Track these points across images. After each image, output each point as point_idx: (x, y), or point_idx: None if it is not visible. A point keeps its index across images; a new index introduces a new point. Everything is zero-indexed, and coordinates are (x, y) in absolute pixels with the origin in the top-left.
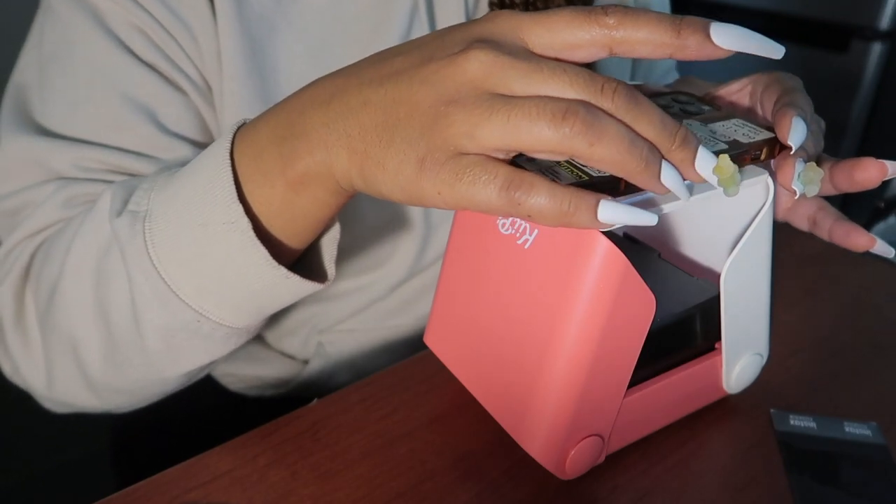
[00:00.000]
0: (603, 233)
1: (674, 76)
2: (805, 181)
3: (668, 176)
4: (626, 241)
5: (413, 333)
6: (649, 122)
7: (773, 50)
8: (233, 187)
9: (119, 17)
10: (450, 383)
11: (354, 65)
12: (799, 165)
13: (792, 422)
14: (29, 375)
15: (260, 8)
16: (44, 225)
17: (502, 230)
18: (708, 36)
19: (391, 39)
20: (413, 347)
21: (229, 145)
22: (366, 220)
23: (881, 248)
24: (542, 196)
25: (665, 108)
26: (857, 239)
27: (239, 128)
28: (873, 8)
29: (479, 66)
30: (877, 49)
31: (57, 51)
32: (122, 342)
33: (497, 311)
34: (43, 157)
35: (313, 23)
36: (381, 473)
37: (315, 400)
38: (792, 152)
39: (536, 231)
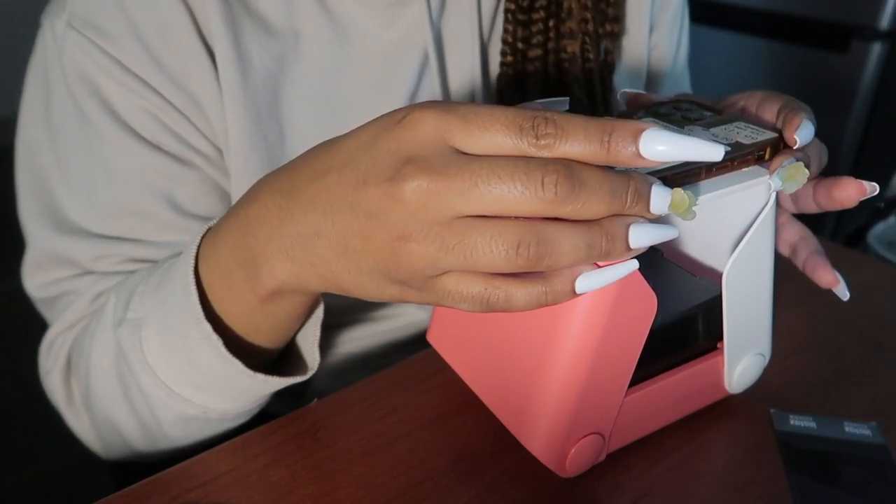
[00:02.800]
0: None
1: (685, 83)
2: (785, 177)
3: (640, 239)
4: None
5: (412, 333)
6: (599, 200)
7: (711, 153)
8: (198, 308)
9: (128, 102)
10: (450, 383)
11: (288, 171)
12: (786, 161)
13: (792, 422)
14: (87, 443)
15: (264, 73)
16: (78, 318)
17: None
18: (637, 152)
19: (400, 95)
20: (413, 347)
21: (193, 263)
22: None
23: (841, 290)
24: (519, 303)
25: (666, 115)
26: (822, 276)
27: (203, 237)
28: (873, 8)
29: (416, 198)
30: (877, 49)
31: (69, 134)
32: (151, 428)
33: None
34: (68, 254)
35: (318, 80)
36: (381, 473)
37: (315, 400)
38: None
39: None
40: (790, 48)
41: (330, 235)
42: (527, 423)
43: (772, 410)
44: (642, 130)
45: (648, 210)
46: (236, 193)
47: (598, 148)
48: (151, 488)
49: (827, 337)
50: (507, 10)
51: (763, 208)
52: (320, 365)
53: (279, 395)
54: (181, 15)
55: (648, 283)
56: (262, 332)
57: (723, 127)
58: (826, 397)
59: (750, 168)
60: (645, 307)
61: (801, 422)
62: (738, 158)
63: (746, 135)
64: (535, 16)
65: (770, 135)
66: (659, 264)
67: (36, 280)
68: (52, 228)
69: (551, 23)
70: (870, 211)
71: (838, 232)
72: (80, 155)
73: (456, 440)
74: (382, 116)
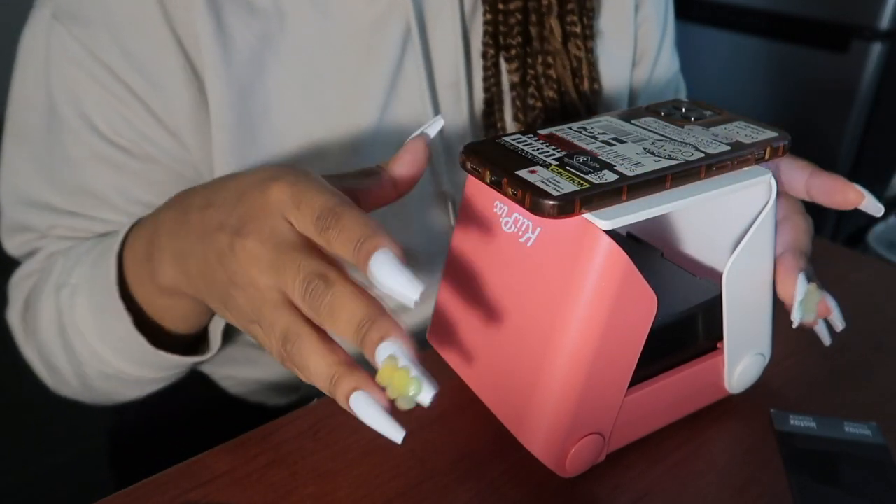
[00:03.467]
0: (606, 232)
1: (675, 87)
2: (806, 309)
3: (357, 403)
4: (629, 239)
5: (416, 331)
6: (336, 323)
7: (409, 293)
8: (115, 287)
9: (94, 93)
10: (450, 383)
11: (195, 193)
12: (800, 290)
13: (792, 422)
14: (41, 376)
15: (247, 50)
16: (33, 270)
17: (505, 228)
18: (368, 265)
19: (384, 70)
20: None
21: (118, 249)
22: None
23: (820, 329)
24: (311, 359)
25: (667, 115)
26: (847, 194)
27: (133, 225)
28: (873, 8)
29: (244, 262)
30: (877, 49)
31: (37, 119)
32: (82, 378)
33: (499, 309)
34: (28, 222)
35: (303, 55)
36: (381, 473)
37: (315, 400)
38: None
39: (539, 229)
40: (790, 48)
41: (196, 259)
42: (527, 423)
43: (772, 410)
44: (375, 249)
45: (373, 357)
46: (220, 168)
47: (351, 250)
48: (151, 488)
49: (832, 338)
50: None
51: (763, 208)
52: None
53: (274, 389)
54: (152, 4)
55: (648, 282)
56: (167, 318)
57: (723, 126)
58: (826, 397)
59: (750, 168)
60: (645, 306)
61: (801, 422)
62: (738, 158)
63: (746, 134)
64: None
65: (770, 134)
66: (659, 264)
67: (10, 242)
68: (18, 201)
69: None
70: None
71: (838, 232)
72: (44, 139)
73: (456, 440)
74: (259, 171)
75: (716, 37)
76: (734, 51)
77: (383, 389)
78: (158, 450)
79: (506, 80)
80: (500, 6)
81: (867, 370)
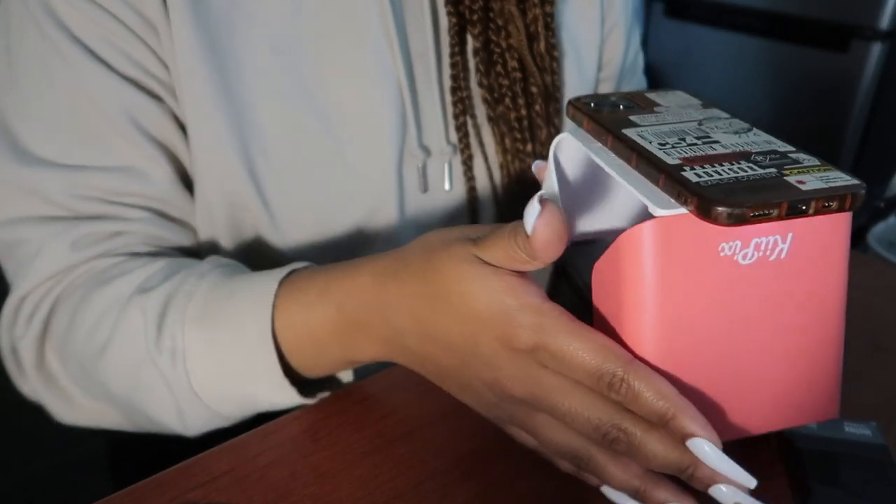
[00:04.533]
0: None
1: (638, 72)
2: None
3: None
4: None
5: None
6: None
7: (744, 481)
8: (278, 369)
9: (88, 29)
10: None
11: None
12: None
13: None
14: (51, 406)
15: (216, 9)
16: (55, 271)
17: (743, 261)
18: (684, 443)
19: (357, 33)
20: None
21: (269, 326)
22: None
23: None
24: (609, 472)
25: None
26: None
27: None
28: (873, 8)
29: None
30: (877, 49)
31: (30, 68)
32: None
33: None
34: (36, 187)
35: (276, 18)
36: (381, 473)
37: (317, 397)
38: None
39: (791, 235)
40: (790, 48)
41: (425, 365)
42: (819, 398)
43: None
44: (694, 434)
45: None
46: (192, 121)
47: (657, 421)
48: (151, 488)
49: None
50: None
51: None
52: None
53: None
54: None
55: None
56: (316, 372)
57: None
58: None
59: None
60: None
61: None
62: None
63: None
64: None
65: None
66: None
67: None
68: (16, 160)
69: None
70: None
71: None
72: (41, 83)
73: (456, 440)
74: (506, 317)
75: (716, 37)
76: (734, 51)
77: None
78: (158, 450)
79: (470, 46)
80: None
81: (867, 370)
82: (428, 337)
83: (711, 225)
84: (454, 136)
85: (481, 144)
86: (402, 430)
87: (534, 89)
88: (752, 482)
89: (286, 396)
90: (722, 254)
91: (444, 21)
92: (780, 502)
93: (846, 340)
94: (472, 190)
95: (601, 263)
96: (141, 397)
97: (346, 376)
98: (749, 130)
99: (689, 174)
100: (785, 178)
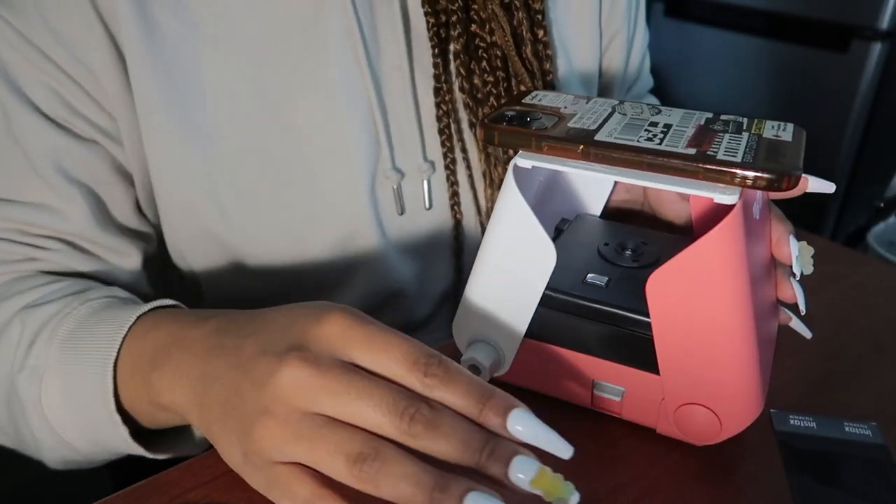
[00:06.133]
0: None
1: (646, 83)
2: (803, 263)
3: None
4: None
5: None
6: (449, 445)
7: (562, 450)
8: (111, 400)
9: (24, 71)
10: None
11: (234, 319)
12: (794, 248)
13: (792, 422)
14: None
15: (175, 38)
16: None
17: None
18: (505, 424)
19: (326, 53)
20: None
21: (114, 356)
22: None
23: (796, 325)
24: (398, 468)
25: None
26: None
27: (130, 327)
28: (873, 8)
29: (290, 383)
30: (877, 49)
31: None
32: (28, 449)
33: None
34: None
35: (241, 41)
36: None
37: None
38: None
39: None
40: (790, 48)
41: (223, 386)
42: None
43: (772, 410)
44: (512, 408)
45: (506, 477)
46: (158, 157)
47: (472, 407)
48: (151, 488)
49: (827, 337)
50: None
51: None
52: None
53: None
54: None
55: None
56: (147, 420)
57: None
58: (826, 397)
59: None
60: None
61: (801, 422)
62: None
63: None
64: None
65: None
66: None
67: None
68: None
69: None
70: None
71: (838, 232)
72: None
73: None
74: (308, 306)
75: (716, 37)
76: (734, 51)
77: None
78: None
79: (451, 49)
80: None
81: (867, 370)
82: (222, 345)
83: (753, 195)
84: (432, 153)
85: (464, 152)
86: None
87: (522, 89)
88: (569, 450)
89: (118, 435)
90: (755, 217)
91: (420, 26)
92: (780, 502)
93: (846, 340)
94: (455, 205)
95: (663, 275)
96: (9, 415)
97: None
98: (660, 106)
99: (721, 156)
100: (765, 137)
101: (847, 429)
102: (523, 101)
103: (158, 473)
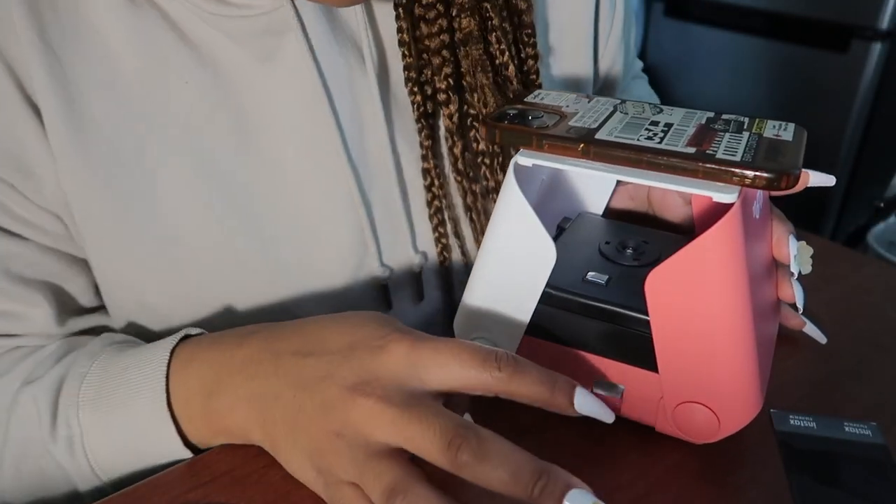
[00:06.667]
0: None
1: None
2: (801, 262)
3: None
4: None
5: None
6: (496, 478)
7: (606, 416)
8: (179, 444)
9: None
10: None
11: (281, 337)
12: (793, 247)
13: (792, 422)
14: None
15: (110, 127)
16: None
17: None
18: (572, 402)
19: (293, 140)
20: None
21: (165, 398)
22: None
23: (810, 330)
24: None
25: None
26: (790, 321)
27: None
28: (873, 8)
29: (361, 417)
30: (877, 49)
31: None
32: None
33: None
34: None
35: (194, 124)
36: None
37: None
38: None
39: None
40: (790, 48)
41: (286, 406)
42: None
43: (772, 410)
44: (575, 386)
45: None
46: (95, 256)
47: (545, 390)
48: (151, 488)
49: (827, 337)
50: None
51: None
52: None
53: None
54: (4, 78)
55: None
56: (206, 445)
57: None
58: (826, 397)
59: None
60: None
61: (801, 422)
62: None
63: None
64: (430, 14)
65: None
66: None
67: None
68: None
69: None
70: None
71: (838, 232)
72: None
73: None
74: (367, 328)
75: (716, 37)
76: (734, 51)
77: None
78: None
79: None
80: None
81: (867, 370)
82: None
83: (753, 194)
84: (422, 243)
85: (459, 238)
86: None
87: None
88: (611, 416)
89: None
90: (755, 217)
91: (403, 105)
92: (780, 502)
93: (846, 340)
94: (448, 291)
95: (662, 273)
96: (35, 485)
97: None
98: (661, 105)
99: (721, 156)
100: (766, 137)
101: (847, 429)
102: (525, 99)
103: (158, 473)
